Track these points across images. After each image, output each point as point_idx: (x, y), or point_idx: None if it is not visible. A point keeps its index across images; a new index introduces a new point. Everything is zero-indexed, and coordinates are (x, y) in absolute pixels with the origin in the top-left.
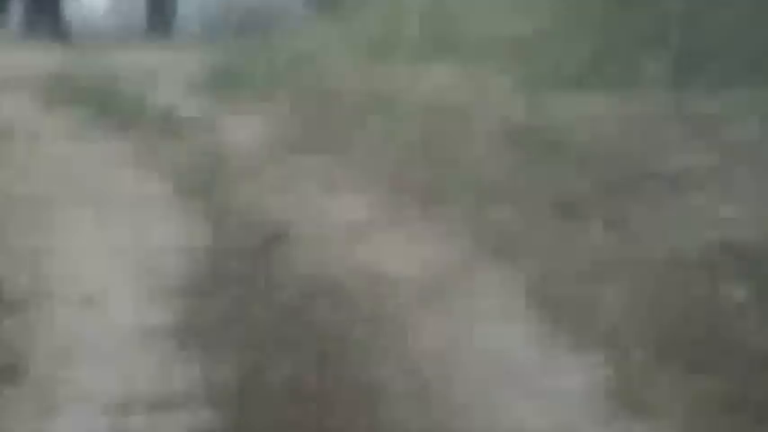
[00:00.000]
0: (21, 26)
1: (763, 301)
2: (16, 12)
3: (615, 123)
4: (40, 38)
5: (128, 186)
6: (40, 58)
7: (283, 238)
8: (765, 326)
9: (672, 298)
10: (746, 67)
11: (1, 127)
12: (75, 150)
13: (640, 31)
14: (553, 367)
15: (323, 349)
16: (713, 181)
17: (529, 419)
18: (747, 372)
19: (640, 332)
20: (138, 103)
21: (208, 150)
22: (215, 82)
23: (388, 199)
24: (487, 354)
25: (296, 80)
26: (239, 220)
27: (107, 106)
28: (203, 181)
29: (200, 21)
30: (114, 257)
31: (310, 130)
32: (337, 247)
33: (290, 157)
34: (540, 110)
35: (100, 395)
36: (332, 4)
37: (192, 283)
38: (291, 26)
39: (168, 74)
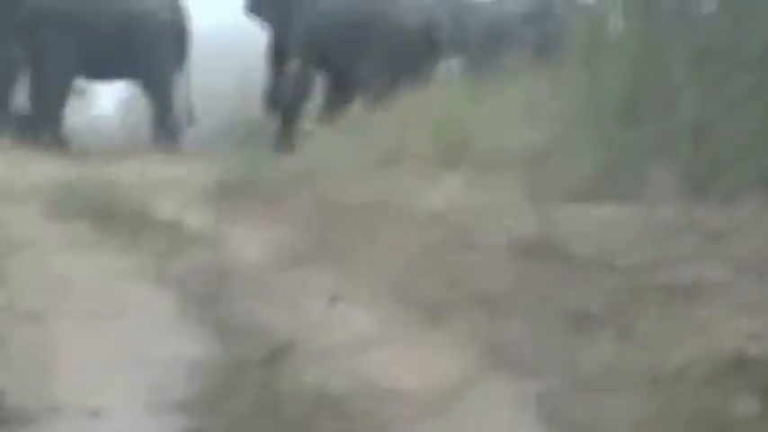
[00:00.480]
0: (19, 133)
1: None
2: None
3: (626, 235)
4: (36, 145)
5: (133, 299)
6: (43, 167)
7: (288, 350)
8: None
9: (681, 412)
10: (759, 179)
11: (4, 240)
12: (79, 263)
13: (652, 142)
14: None
15: None
16: (725, 294)
17: None
18: None
19: None
20: (143, 215)
21: (214, 263)
22: (221, 193)
23: (395, 311)
24: None
25: (304, 191)
26: (245, 333)
27: (112, 219)
28: (209, 294)
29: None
30: (119, 371)
31: (318, 242)
32: (343, 360)
33: (297, 270)
34: (550, 221)
35: None
36: (339, 115)
37: (196, 396)
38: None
39: (174, 184)
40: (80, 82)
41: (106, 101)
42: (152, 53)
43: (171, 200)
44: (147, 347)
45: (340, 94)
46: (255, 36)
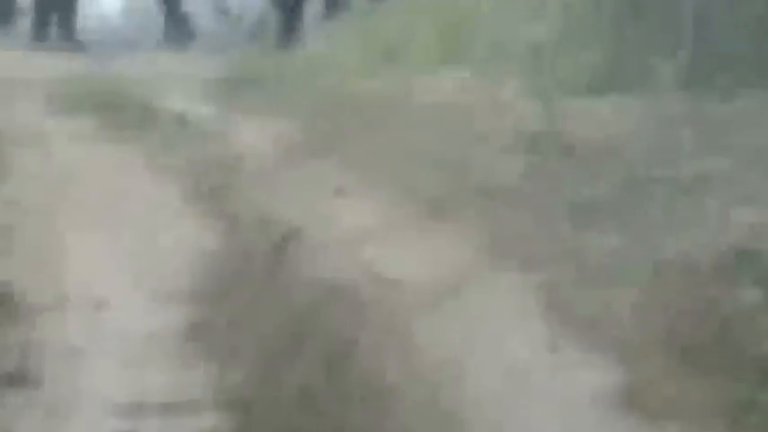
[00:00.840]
0: (31, 35)
1: None
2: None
3: (629, 127)
4: (51, 46)
5: (139, 191)
6: (54, 63)
7: (294, 240)
8: None
9: (684, 303)
10: (761, 71)
11: (12, 132)
12: (86, 156)
13: (654, 36)
14: (564, 370)
15: (332, 351)
16: (728, 185)
17: (538, 423)
18: (759, 376)
19: (652, 336)
20: (151, 108)
21: (220, 155)
22: (229, 87)
23: (400, 203)
24: (496, 358)
25: (310, 85)
26: (251, 224)
27: (120, 112)
28: (215, 186)
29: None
30: (125, 262)
31: (323, 135)
32: (348, 250)
33: (302, 162)
34: (554, 115)
35: (111, 398)
36: (342, 11)
37: (203, 285)
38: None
39: (182, 79)
40: None
41: None
42: None
43: (176, 95)
44: (154, 239)
45: None
46: None
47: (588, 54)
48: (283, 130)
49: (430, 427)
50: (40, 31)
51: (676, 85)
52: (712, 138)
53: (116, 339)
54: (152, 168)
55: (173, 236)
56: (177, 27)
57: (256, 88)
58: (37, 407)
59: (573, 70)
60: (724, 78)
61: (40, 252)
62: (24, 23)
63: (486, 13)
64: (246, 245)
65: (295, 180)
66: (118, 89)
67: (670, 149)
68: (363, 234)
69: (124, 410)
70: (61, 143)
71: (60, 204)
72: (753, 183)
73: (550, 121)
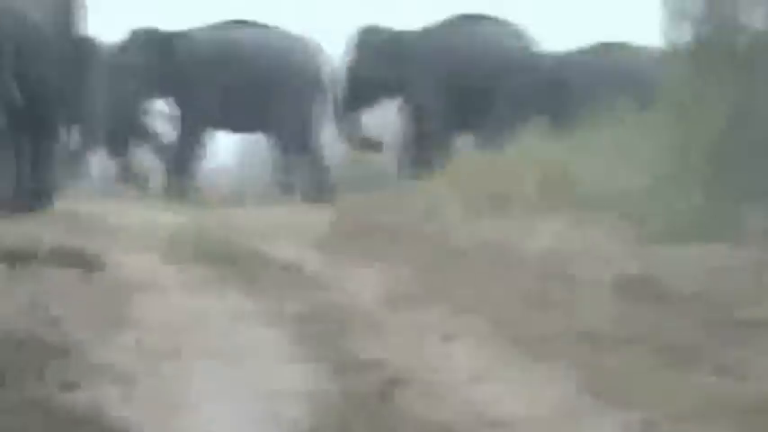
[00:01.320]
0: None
1: None
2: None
3: (722, 273)
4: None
5: (252, 338)
6: (167, 214)
7: (401, 383)
8: None
9: None
10: None
11: (130, 283)
12: (201, 305)
13: (744, 185)
14: None
15: None
16: None
17: None
18: None
19: None
20: (261, 258)
21: (330, 302)
22: (337, 236)
23: (502, 347)
24: None
25: (415, 235)
26: (360, 369)
27: (231, 262)
28: (324, 332)
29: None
30: (240, 405)
31: (429, 282)
32: (453, 393)
33: (410, 308)
34: (650, 261)
35: None
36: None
37: (314, 428)
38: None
39: (292, 229)
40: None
41: (224, 152)
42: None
43: (288, 243)
44: (268, 383)
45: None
46: None
47: (684, 202)
48: (391, 278)
49: None
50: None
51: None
52: None
53: None
54: (263, 316)
55: (283, 381)
56: (286, 180)
57: (365, 236)
58: None
59: (666, 218)
60: None
61: (160, 396)
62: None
63: (580, 163)
64: (354, 389)
65: (403, 326)
66: (232, 239)
67: (763, 294)
68: (470, 376)
69: None
70: (177, 292)
71: (177, 351)
72: None
73: (644, 267)
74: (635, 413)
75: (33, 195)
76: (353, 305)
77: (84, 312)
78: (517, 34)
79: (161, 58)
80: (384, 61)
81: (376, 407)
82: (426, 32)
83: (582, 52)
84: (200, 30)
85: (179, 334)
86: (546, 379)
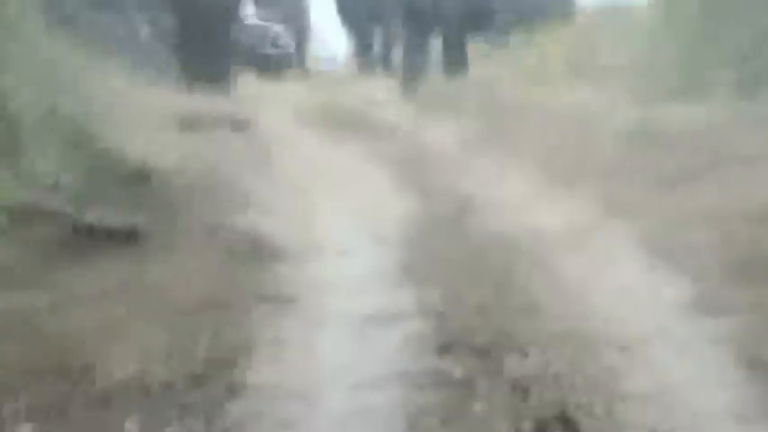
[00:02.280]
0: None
1: None
2: None
3: (702, 123)
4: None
5: (360, 174)
6: (298, 88)
7: (471, 207)
8: None
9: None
10: None
11: (275, 138)
12: (323, 151)
13: (722, 55)
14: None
15: (499, 280)
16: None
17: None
18: None
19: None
20: (366, 117)
21: (415, 147)
22: (420, 102)
23: (542, 179)
24: (611, 280)
25: (479, 97)
26: (440, 196)
27: (342, 123)
28: (412, 169)
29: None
30: (356, 223)
31: (489, 131)
32: (507, 210)
33: (475, 150)
34: (649, 116)
35: (346, 307)
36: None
37: (409, 238)
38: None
39: (385, 97)
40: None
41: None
42: None
43: (381, 108)
44: (374, 208)
45: None
46: None
47: (681, 68)
48: (461, 129)
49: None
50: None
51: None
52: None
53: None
54: (367, 158)
55: (388, 205)
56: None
57: (441, 100)
58: None
59: (669, 81)
60: None
61: (296, 214)
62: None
63: (604, 40)
64: (437, 209)
65: (472, 164)
66: (345, 106)
67: (737, 136)
68: (516, 198)
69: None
70: (304, 145)
71: (309, 183)
72: None
73: (646, 121)
74: (637, 223)
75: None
76: (436, 149)
77: (234, 158)
78: None
79: None
80: None
81: (453, 221)
82: None
83: None
84: None
85: (307, 172)
86: (574, 202)
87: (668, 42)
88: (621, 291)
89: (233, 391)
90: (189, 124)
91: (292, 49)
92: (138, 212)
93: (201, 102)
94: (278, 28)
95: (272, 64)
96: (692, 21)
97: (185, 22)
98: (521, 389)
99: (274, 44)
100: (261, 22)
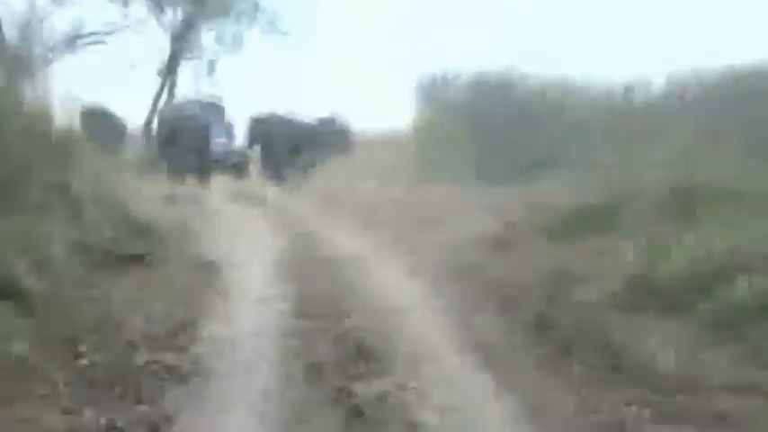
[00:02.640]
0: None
1: None
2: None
3: (444, 195)
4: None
5: (254, 224)
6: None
7: (313, 240)
8: None
9: None
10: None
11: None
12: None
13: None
14: None
15: (332, 279)
16: None
17: (398, 298)
18: None
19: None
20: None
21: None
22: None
23: (350, 226)
24: (387, 279)
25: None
26: (297, 234)
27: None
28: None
29: None
30: (251, 248)
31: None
32: (333, 242)
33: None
34: (410, 193)
35: (250, 293)
36: None
37: (279, 256)
38: None
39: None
40: None
41: None
42: None
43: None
44: (261, 242)
45: None
46: None
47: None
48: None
49: None
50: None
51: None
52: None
53: None
54: (261, 217)
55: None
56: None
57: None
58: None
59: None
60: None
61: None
62: None
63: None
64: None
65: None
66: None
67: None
68: (337, 235)
69: None
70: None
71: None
72: None
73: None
74: (402, 247)
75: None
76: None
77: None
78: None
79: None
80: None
81: (305, 247)
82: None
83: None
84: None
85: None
86: (367, 237)
87: (423, 153)
88: (391, 286)
89: (194, 325)
90: (171, 200)
91: (245, 158)
92: (145, 246)
93: (177, 188)
94: (236, 145)
95: (232, 167)
96: (437, 141)
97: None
98: (341, 334)
99: (235, 155)
100: (223, 141)
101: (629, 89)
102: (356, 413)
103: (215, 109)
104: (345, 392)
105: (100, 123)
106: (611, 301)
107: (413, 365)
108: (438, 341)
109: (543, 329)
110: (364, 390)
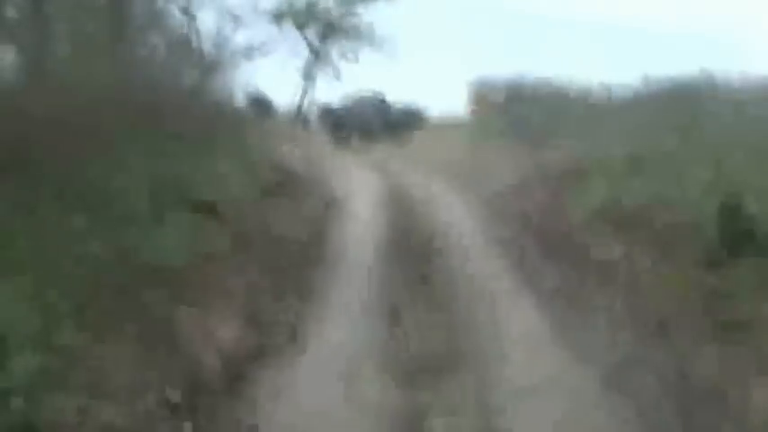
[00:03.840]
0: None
1: None
2: None
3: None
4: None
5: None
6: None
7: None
8: None
9: None
10: None
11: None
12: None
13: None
14: None
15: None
16: None
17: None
18: None
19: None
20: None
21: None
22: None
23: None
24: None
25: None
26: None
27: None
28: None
29: None
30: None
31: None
32: (409, 183)
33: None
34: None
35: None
36: None
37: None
38: None
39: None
40: None
41: None
42: None
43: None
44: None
45: None
46: None
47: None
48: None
49: None
50: None
51: None
52: None
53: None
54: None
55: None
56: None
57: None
58: None
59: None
60: None
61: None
62: None
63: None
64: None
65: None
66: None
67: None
68: (412, 180)
69: None
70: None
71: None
72: None
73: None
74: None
75: None
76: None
77: None
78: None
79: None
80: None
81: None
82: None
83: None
84: None
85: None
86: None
87: (477, 131)
88: (448, 209)
89: (324, 233)
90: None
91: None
92: (289, 186)
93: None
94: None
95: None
96: (487, 122)
97: None
98: (417, 238)
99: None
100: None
101: (605, 88)
102: (424, 279)
103: (371, 102)
104: (421, 272)
105: (262, 107)
106: (586, 221)
107: (461, 257)
108: (474, 238)
109: (543, 237)
110: (429, 266)
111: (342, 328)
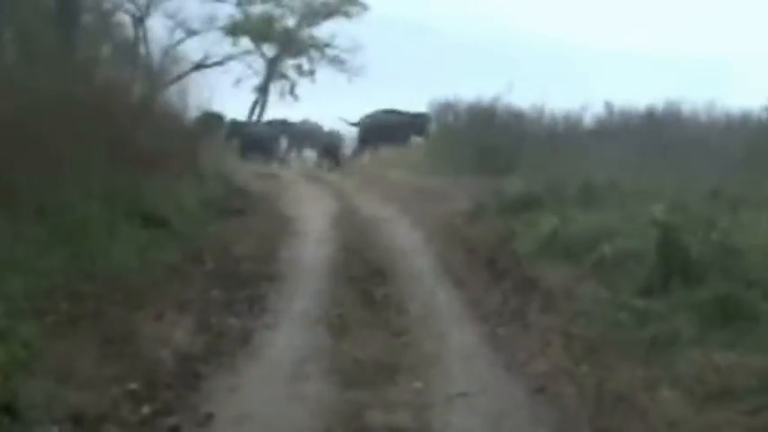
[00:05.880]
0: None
1: None
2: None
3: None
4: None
5: (316, 195)
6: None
7: (355, 207)
8: None
9: None
10: None
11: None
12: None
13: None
14: None
15: (363, 230)
16: None
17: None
18: None
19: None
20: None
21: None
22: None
23: (379, 200)
24: (397, 231)
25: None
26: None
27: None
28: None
29: None
30: (315, 210)
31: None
32: (367, 209)
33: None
34: (427, 180)
35: (312, 236)
36: None
37: (334, 216)
38: None
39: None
40: None
41: None
42: None
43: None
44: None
45: None
46: None
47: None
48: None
49: None
50: None
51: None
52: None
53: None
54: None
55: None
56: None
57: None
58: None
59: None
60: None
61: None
62: None
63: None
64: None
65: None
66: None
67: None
68: (370, 206)
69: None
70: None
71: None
72: None
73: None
74: (411, 215)
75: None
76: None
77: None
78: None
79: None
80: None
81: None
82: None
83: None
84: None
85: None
86: (388, 208)
87: (434, 155)
88: (399, 235)
89: (275, 250)
90: (259, 175)
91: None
92: (244, 203)
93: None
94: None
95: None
96: (444, 147)
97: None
98: (365, 260)
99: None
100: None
101: (568, 117)
102: (371, 302)
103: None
104: (367, 291)
105: (214, 123)
106: (534, 251)
107: (406, 279)
108: (424, 267)
109: (490, 265)
110: (377, 290)
111: (291, 335)
